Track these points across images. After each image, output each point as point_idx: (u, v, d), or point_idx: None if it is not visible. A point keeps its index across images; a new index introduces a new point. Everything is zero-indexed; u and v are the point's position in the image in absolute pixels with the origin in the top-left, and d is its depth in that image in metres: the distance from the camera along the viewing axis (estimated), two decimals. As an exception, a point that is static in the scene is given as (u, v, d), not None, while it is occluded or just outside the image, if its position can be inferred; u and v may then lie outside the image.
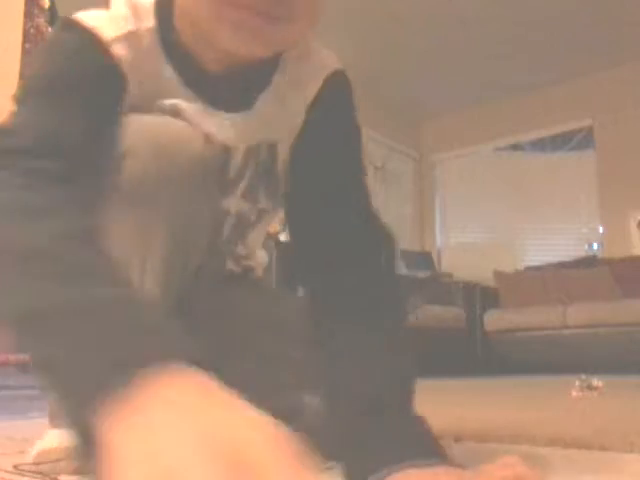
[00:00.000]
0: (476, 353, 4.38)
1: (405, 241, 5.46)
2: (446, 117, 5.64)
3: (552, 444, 0.87)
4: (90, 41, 0.60)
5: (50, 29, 2.12)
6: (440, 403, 1.81)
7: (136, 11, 0.63)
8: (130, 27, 0.62)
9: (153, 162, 0.58)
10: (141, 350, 0.37)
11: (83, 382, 0.36)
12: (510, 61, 4.75)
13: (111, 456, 0.31)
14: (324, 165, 0.70)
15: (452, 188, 5.73)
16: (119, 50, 0.61)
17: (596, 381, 1.93)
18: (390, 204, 5.38)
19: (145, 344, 0.38)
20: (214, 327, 0.73)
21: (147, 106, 0.63)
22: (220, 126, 0.66)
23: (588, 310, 3.92)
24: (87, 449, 0.35)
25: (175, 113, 0.64)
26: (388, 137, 5.46)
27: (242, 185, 0.70)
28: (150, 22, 0.64)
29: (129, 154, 0.58)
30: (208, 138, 0.64)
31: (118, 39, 0.61)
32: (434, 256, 5.41)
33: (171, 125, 0.61)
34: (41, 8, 2.11)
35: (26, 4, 1.98)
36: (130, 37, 0.62)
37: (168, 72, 0.64)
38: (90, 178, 0.55)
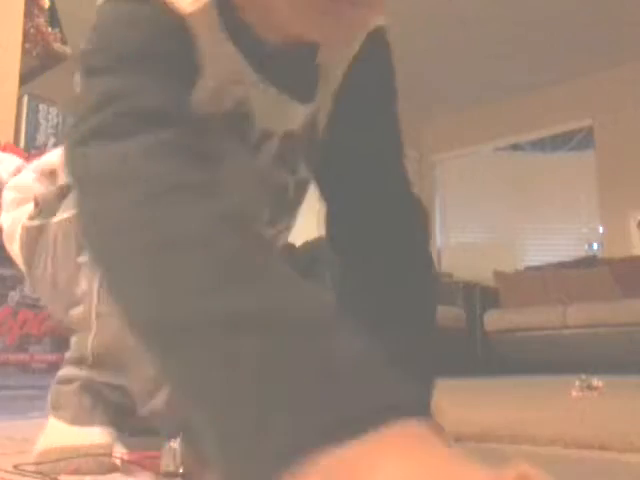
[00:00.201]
0: (476, 353, 4.38)
1: (405, 241, 5.46)
2: (446, 117, 5.63)
3: (552, 444, 0.87)
4: (168, 14, 0.52)
5: (50, 29, 2.12)
6: (440, 403, 1.81)
7: None
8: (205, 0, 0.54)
9: None
10: (356, 401, 0.27)
11: (264, 438, 0.27)
12: (510, 61, 4.75)
13: None
14: (360, 125, 0.67)
15: (452, 188, 5.73)
16: (195, 23, 0.53)
17: (596, 381, 1.93)
18: (390, 204, 5.38)
19: (358, 392, 0.28)
20: None
21: (217, 88, 0.57)
22: (288, 116, 0.63)
23: (588, 310, 3.92)
24: None
25: (241, 103, 0.59)
26: (388, 137, 5.46)
27: (271, 154, 0.65)
28: None
29: None
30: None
31: (193, 14, 0.53)
32: (434, 256, 5.40)
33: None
34: (41, 8, 2.11)
35: (26, 4, 1.98)
36: (203, 12, 0.54)
37: (231, 52, 0.57)
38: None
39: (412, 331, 0.59)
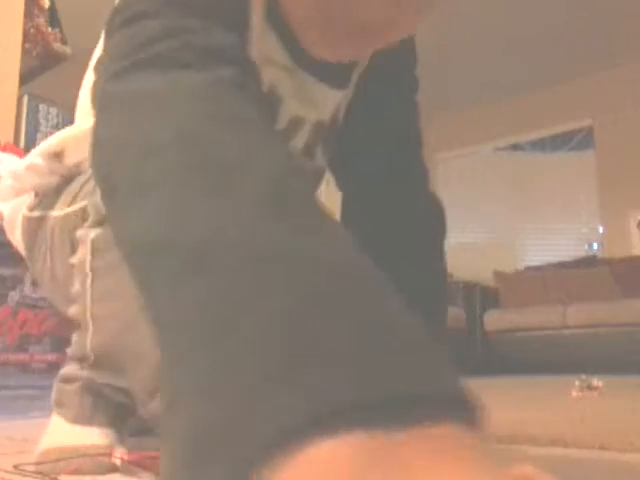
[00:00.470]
0: (476, 353, 4.38)
1: (405, 241, 5.46)
2: (446, 117, 5.63)
3: (552, 444, 0.87)
4: None
5: (50, 29, 2.12)
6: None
7: None
8: None
9: None
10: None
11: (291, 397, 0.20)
12: (510, 61, 4.75)
13: None
14: (383, 112, 0.65)
15: (452, 188, 5.73)
16: None
17: (596, 381, 1.93)
18: (390, 204, 5.38)
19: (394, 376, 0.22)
20: None
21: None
22: (312, 101, 0.60)
23: (588, 310, 3.92)
24: None
25: (272, 87, 0.57)
26: (388, 137, 5.46)
27: (302, 142, 0.64)
28: None
29: None
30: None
31: None
32: (434, 256, 5.41)
33: None
34: (41, 8, 2.11)
35: (26, 4, 1.98)
36: None
37: (270, 34, 0.55)
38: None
39: (433, 318, 0.59)
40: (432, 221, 0.65)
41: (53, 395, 0.69)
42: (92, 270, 0.61)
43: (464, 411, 0.24)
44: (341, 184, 0.69)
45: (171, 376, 0.25)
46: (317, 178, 0.69)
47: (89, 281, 0.61)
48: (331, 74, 0.59)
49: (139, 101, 0.35)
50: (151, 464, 0.57)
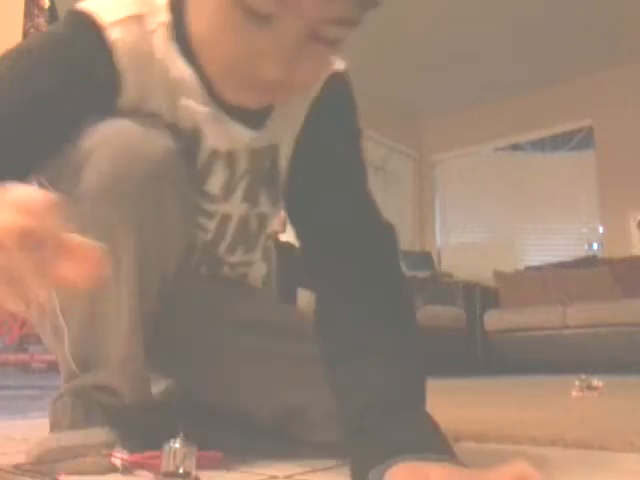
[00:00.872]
0: (476, 353, 4.39)
1: (405, 241, 5.46)
2: (446, 117, 5.64)
3: (552, 444, 0.87)
4: (85, 24, 0.60)
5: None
6: (440, 403, 1.81)
7: (147, 2, 0.64)
8: (135, 11, 0.62)
9: (116, 160, 0.59)
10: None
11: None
12: (510, 61, 4.75)
13: None
14: (325, 165, 0.70)
15: (452, 188, 5.73)
16: (117, 34, 0.60)
17: (596, 381, 1.93)
18: (390, 204, 5.38)
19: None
20: (201, 328, 0.74)
21: (146, 98, 0.64)
22: (232, 138, 0.68)
23: (588, 310, 3.92)
24: None
25: (187, 115, 0.65)
26: (388, 137, 5.46)
27: (241, 187, 0.71)
28: (164, 16, 0.63)
29: (91, 153, 0.59)
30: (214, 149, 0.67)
31: (117, 23, 0.60)
32: (434, 256, 5.41)
33: (139, 127, 0.61)
34: (41, 8, 2.11)
35: (26, 4, 1.98)
36: (133, 21, 0.61)
37: (181, 68, 0.64)
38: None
39: (399, 355, 0.61)
40: (386, 254, 0.69)
41: (49, 421, 0.68)
42: None
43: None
44: (297, 234, 0.74)
45: None
46: (261, 222, 0.75)
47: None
48: (244, 116, 0.66)
49: None
50: (151, 464, 0.57)
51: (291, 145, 0.71)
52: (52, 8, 2.19)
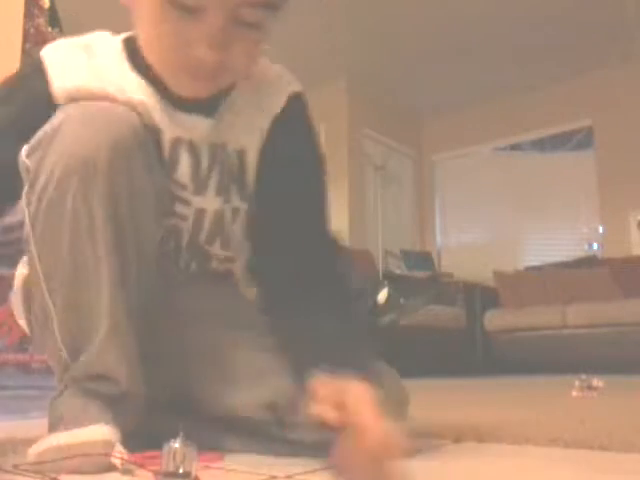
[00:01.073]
0: (476, 353, 4.39)
1: (405, 241, 5.46)
2: (446, 117, 5.64)
3: (552, 444, 0.87)
4: (35, 63, 0.73)
5: (50, 29, 2.12)
6: (440, 403, 1.81)
7: (100, 36, 0.77)
8: (83, 42, 0.75)
9: (87, 126, 0.64)
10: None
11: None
12: (510, 61, 4.75)
13: None
14: (285, 177, 0.78)
15: (452, 188, 5.73)
16: (52, 57, 0.73)
17: (596, 381, 1.93)
18: (390, 204, 5.38)
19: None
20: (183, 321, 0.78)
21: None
22: (189, 128, 0.75)
23: (588, 310, 3.92)
24: None
25: (144, 111, 0.72)
26: (388, 137, 5.46)
27: (213, 182, 0.77)
28: (117, 40, 0.77)
29: (61, 124, 0.64)
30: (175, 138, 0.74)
31: (54, 49, 0.74)
32: (434, 256, 5.41)
33: (105, 103, 0.68)
34: (41, 8, 2.11)
35: (26, 4, 1.98)
36: (78, 49, 0.74)
37: (133, 78, 0.74)
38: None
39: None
40: (332, 262, 0.78)
41: (48, 419, 0.68)
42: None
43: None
44: (255, 232, 0.81)
45: None
46: (234, 215, 0.79)
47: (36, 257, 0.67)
48: (195, 108, 0.74)
49: None
50: (151, 464, 0.57)
51: (256, 155, 0.79)
52: (52, 8, 2.19)
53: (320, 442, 0.70)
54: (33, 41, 2.05)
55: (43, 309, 0.68)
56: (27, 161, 0.66)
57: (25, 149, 0.67)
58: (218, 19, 0.62)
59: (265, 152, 0.79)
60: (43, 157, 0.64)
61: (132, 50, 0.74)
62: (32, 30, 2.04)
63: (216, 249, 0.80)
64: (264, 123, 0.78)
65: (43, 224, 0.65)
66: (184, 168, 0.75)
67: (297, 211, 0.78)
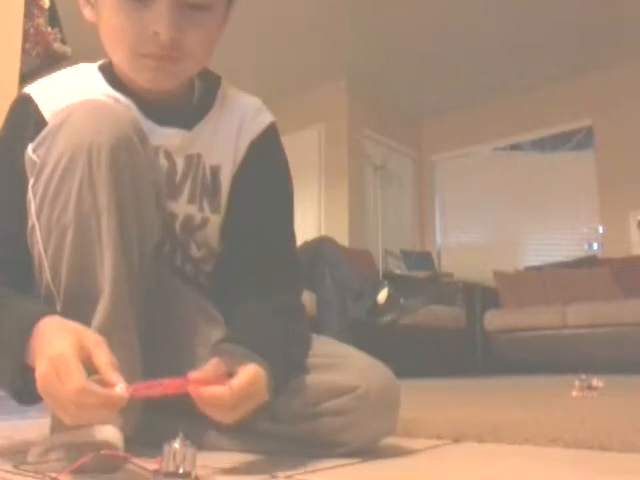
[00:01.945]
0: (476, 353, 4.39)
1: (405, 241, 5.46)
2: (446, 117, 5.63)
3: (552, 444, 0.87)
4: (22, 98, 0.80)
5: (50, 29, 2.12)
6: (440, 403, 1.81)
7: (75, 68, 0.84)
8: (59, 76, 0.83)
9: (92, 119, 0.67)
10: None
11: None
12: (510, 61, 4.75)
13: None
14: (255, 197, 0.85)
15: (452, 188, 5.73)
16: (37, 93, 0.79)
17: (596, 381, 1.93)
18: (390, 204, 5.38)
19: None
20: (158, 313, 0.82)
21: None
22: (162, 135, 0.81)
23: (588, 310, 3.92)
24: None
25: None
26: (388, 137, 5.46)
27: (186, 190, 0.83)
28: (92, 68, 0.84)
29: (67, 117, 0.67)
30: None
31: (39, 87, 0.80)
32: (434, 256, 5.41)
33: (109, 102, 0.76)
34: (41, 8, 2.10)
35: (26, 4, 1.98)
36: (55, 82, 0.81)
37: (114, 94, 0.81)
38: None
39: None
40: (288, 282, 0.86)
41: (50, 419, 0.68)
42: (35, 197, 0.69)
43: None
44: (221, 242, 0.87)
45: None
46: (203, 222, 0.84)
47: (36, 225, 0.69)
48: (170, 119, 0.82)
49: None
50: (151, 463, 0.57)
51: (230, 173, 0.86)
52: (52, 8, 2.19)
53: (312, 435, 0.74)
54: (33, 41, 2.04)
55: (46, 297, 0.69)
56: (34, 156, 0.69)
57: (31, 146, 0.70)
58: (166, 3, 0.71)
59: (239, 173, 0.86)
60: (49, 148, 0.67)
61: (108, 72, 0.83)
62: (32, 30, 2.04)
63: (192, 250, 0.86)
64: (241, 145, 0.86)
65: (49, 211, 0.67)
66: (161, 172, 0.80)
67: (264, 229, 0.85)
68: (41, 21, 2.08)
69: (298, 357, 0.78)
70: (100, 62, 0.86)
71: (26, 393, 0.65)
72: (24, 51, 1.98)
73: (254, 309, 0.78)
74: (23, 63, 1.97)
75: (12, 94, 1.90)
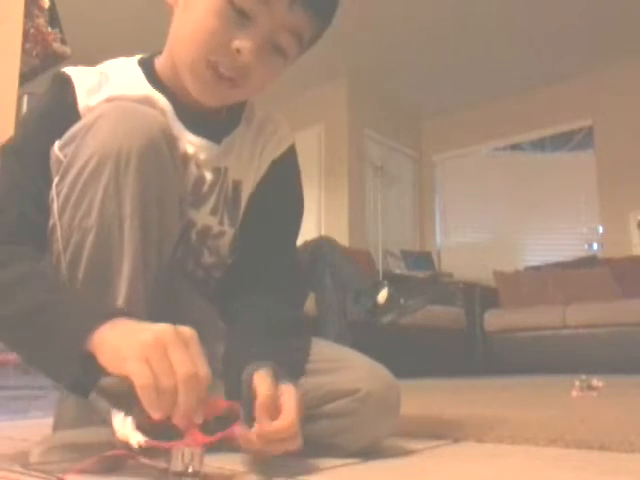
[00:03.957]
0: (476, 353, 4.39)
1: (405, 241, 5.46)
2: (446, 117, 5.64)
3: (552, 444, 0.87)
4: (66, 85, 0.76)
5: (50, 29, 2.12)
6: (440, 403, 1.81)
7: (114, 62, 0.83)
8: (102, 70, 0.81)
9: (122, 122, 0.67)
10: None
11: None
12: (510, 61, 4.75)
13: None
14: (271, 213, 0.87)
15: (452, 188, 5.73)
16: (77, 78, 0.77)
17: (596, 381, 1.94)
18: (390, 204, 5.38)
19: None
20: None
21: None
22: (194, 144, 0.82)
23: (588, 310, 3.92)
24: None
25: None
26: (388, 137, 5.45)
27: (211, 202, 0.84)
28: (132, 63, 0.83)
29: (96, 119, 0.67)
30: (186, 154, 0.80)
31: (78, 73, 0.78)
32: (434, 256, 5.41)
33: (140, 105, 0.73)
34: (41, 8, 2.10)
35: (26, 4, 1.98)
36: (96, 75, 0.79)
37: (153, 92, 0.80)
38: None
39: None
40: (290, 294, 0.87)
41: (53, 419, 0.68)
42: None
43: None
44: (235, 254, 0.88)
45: None
46: (220, 234, 0.86)
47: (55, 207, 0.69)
48: (202, 128, 0.82)
49: None
50: (158, 463, 0.57)
51: (251, 189, 0.88)
52: (52, 8, 2.19)
53: (313, 437, 0.73)
54: (33, 41, 2.04)
55: None
56: (60, 154, 0.68)
57: (58, 143, 0.69)
58: (264, 29, 0.72)
59: (257, 189, 0.88)
60: (77, 149, 0.66)
61: (148, 68, 0.82)
62: (32, 30, 2.04)
63: (204, 257, 0.87)
64: (263, 163, 0.88)
65: (71, 213, 0.67)
66: (189, 180, 0.81)
67: (275, 244, 0.87)
68: (41, 21, 2.08)
69: (301, 365, 0.79)
70: (139, 56, 0.85)
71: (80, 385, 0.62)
72: (24, 51, 1.98)
73: (262, 321, 0.78)
74: (23, 63, 1.97)
75: (12, 94, 1.90)
